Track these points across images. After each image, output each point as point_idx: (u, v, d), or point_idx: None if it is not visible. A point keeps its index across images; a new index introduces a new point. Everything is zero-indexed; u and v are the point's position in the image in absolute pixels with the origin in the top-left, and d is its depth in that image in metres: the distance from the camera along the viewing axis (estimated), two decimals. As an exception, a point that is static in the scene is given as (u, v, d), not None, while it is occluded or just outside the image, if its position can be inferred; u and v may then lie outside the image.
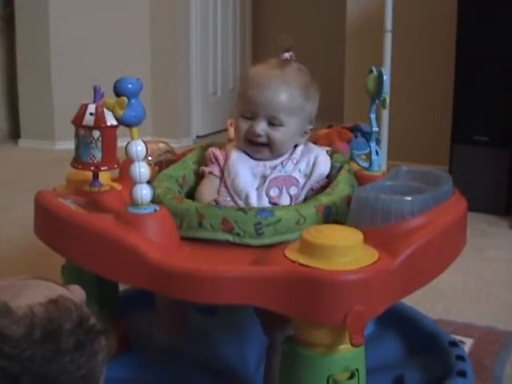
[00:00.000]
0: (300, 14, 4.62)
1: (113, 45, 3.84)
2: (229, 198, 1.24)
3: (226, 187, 1.25)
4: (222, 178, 1.28)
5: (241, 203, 1.22)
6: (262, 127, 1.24)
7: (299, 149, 1.29)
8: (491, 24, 2.56)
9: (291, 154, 1.28)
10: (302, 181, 1.25)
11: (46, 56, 3.77)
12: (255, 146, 1.26)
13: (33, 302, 0.67)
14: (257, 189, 1.24)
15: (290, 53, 1.28)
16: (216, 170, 1.29)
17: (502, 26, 2.55)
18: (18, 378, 0.63)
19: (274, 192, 1.23)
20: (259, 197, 1.23)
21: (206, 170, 1.30)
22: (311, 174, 1.26)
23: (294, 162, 1.27)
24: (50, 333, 0.66)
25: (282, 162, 1.27)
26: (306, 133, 1.30)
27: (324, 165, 1.28)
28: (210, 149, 1.32)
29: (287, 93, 1.24)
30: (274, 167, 1.26)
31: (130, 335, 1.40)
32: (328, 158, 1.30)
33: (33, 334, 0.65)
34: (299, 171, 1.26)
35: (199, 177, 1.33)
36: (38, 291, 0.71)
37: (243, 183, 1.24)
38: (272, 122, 1.24)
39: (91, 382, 0.68)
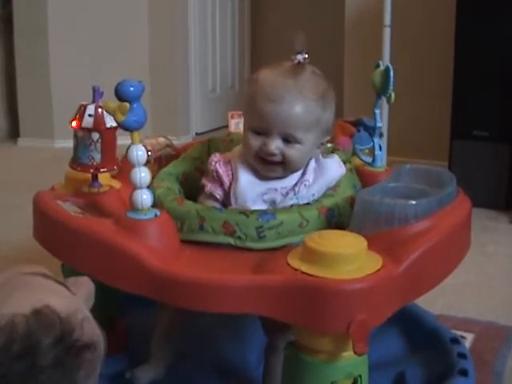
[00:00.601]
0: (298, 9, 4.59)
1: (111, 43, 3.82)
2: None
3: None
4: (224, 200, 1.19)
5: None
6: (276, 145, 1.13)
7: (311, 167, 1.18)
8: (490, 18, 2.54)
9: (303, 173, 1.18)
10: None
11: (44, 55, 3.75)
12: (268, 165, 1.15)
13: (17, 310, 0.64)
14: None
15: (304, 55, 1.15)
16: (218, 191, 1.19)
17: (501, 20, 2.53)
18: None
19: None
20: None
21: (208, 188, 1.20)
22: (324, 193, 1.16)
23: (307, 184, 1.16)
24: (28, 348, 0.62)
25: (293, 188, 1.16)
26: (322, 144, 1.20)
27: (337, 172, 1.19)
28: (213, 161, 1.20)
29: (304, 106, 1.12)
30: (286, 194, 1.16)
31: (130, 333, 1.39)
32: (341, 166, 1.21)
33: (11, 348, 0.62)
34: (312, 196, 1.16)
35: (200, 173, 1.30)
36: (26, 296, 0.68)
37: None
38: (287, 139, 1.13)
39: None
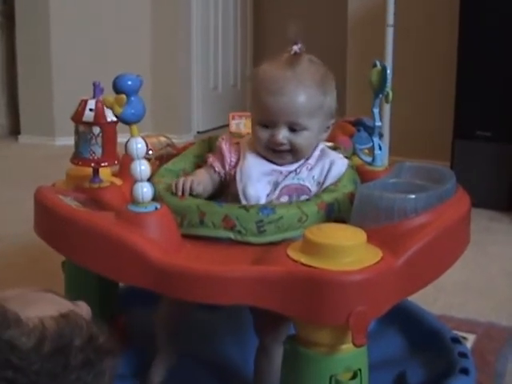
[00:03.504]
0: (301, 8, 4.60)
1: (113, 39, 3.83)
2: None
3: (235, 190, 1.20)
4: (221, 177, 1.24)
5: None
6: (283, 135, 1.18)
7: (316, 153, 1.23)
8: (494, 18, 2.55)
9: (307, 158, 1.23)
10: (314, 189, 1.20)
11: (46, 52, 3.77)
12: (278, 153, 1.20)
13: (44, 314, 0.66)
14: (267, 195, 1.19)
15: (299, 45, 1.21)
16: (217, 165, 1.24)
17: (505, 19, 2.54)
18: None
19: (283, 199, 1.19)
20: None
21: (210, 160, 1.26)
22: (324, 181, 1.21)
23: (309, 167, 1.21)
24: (60, 347, 0.65)
25: (295, 169, 1.21)
26: (328, 128, 1.25)
27: (340, 167, 1.22)
28: (221, 138, 1.27)
29: (305, 94, 1.17)
30: (288, 173, 1.21)
31: (130, 331, 1.40)
32: (344, 162, 1.24)
33: (42, 348, 0.64)
34: (313, 179, 1.21)
35: None
36: (48, 304, 0.70)
37: (255, 190, 1.18)
38: (293, 128, 1.19)
39: None
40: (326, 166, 1.22)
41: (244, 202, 1.17)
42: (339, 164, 1.23)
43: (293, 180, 1.20)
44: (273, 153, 1.21)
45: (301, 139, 1.19)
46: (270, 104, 1.17)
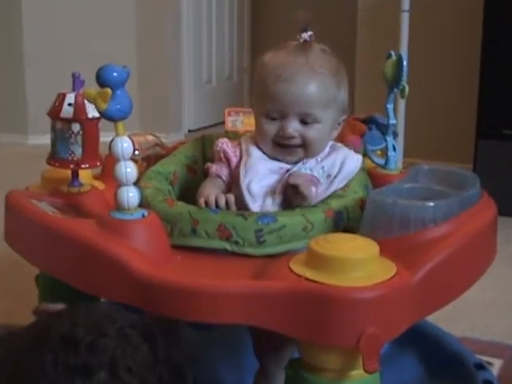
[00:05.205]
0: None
1: (94, 26, 3.84)
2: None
3: (239, 188, 1.20)
4: (230, 182, 1.23)
5: (254, 207, 1.17)
6: (294, 127, 1.19)
7: (326, 149, 1.24)
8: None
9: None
10: (323, 182, 1.19)
11: (18, 42, 3.77)
12: (287, 149, 1.21)
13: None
14: (273, 195, 1.19)
15: (309, 33, 1.22)
16: (224, 172, 1.24)
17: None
18: None
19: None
20: (273, 203, 1.19)
21: (213, 170, 1.25)
22: (336, 176, 1.20)
23: (318, 159, 1.22)
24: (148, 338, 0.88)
25: (302, 161, 1.21)
26: (339, 124, 1.26)
27: (354, 163, 1.22)
28: (220, 143, 1.27)
29: (319, 83, 1.18)
30: (295, 164, 1.21)
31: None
32: (359, 156, 1.25)
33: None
34: (322, 169, 1.21)
35: (192, 173, 1.32)
36: None
37: (258, 189, 1.18)
38: (305, 120, 1.19)
39: None
40: (339, 160, 1.22)
41: (249, 200, 1.17)
42: (354, 159, 1.23)
43: (300, 169, 1.20)
44: (281, 149, 1.21)
45: (313, 132, 1.20)
46: (280, 92, 1.18)
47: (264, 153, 1.23)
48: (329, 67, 1.20)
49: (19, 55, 3.79)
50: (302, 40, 1.22)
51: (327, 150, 1.24)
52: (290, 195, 1.16)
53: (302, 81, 1.17)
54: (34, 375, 0.79)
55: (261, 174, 1.20)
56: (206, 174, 1.28)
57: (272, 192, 1.19)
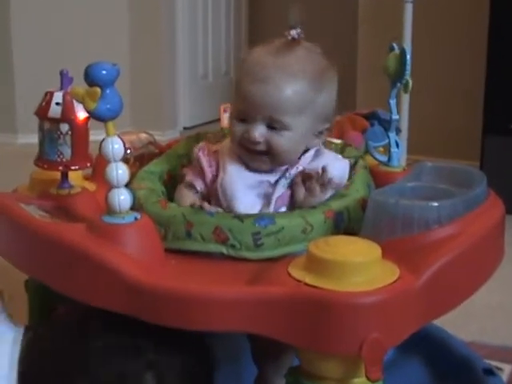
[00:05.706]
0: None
1: (83, 21, 3.83)
2: None
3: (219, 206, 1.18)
4: (205, 194, 1.22)
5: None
6: (260, 132, 1.16)
7: (309, 154, 1.22)
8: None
9: (295, 162, 1.21)
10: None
11: (6, 38, 3.77)
12: (252, 155, 1.19)
13: None
14: (260, 211, 1.17)
15: (298, 30, 1.19)
16: (199, 183, 1.23)
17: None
18: None
19: (283, 210, 1.18)
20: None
21: (189, 177, 1.24)
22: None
23: (300, 168, 1.20)
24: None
25: (284, 173, 1.20)
26: (321, 133, 1.23)
27: (338, 170, 1.20)
28: (197, 148, 1.26)
29: (292, 87, 1.15)
30: (276, 182, 1.19)
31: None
32: (344, 162, 1.23)
33: None
34: None
35: None
36: None
37: (244, 207, 1.17)
38: (273, 126, 1.17)
39: None
40: (320, 166, 1.18)
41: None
42: (338, 165, 1.21)
43: (284, 188, 1.19)
44: (247, 153, 1.19)
45: (280, 140, 1.17)
46: (251, 93, 1.16)
47: (241, 163, 1.21)
48: (311, 70, 1.17)
49: (8, 53, 3.79)
50: (289, 37, 1.19)
51: (309, 155, 1.22)
52: (297, 192, 1.16)
53: (275, 83, 1.15)
54: (82, 360, 0.83)
55: (240, 192, 1.18)
56: (181, 179, 1.27)
57: (255, 209, 1.18)
